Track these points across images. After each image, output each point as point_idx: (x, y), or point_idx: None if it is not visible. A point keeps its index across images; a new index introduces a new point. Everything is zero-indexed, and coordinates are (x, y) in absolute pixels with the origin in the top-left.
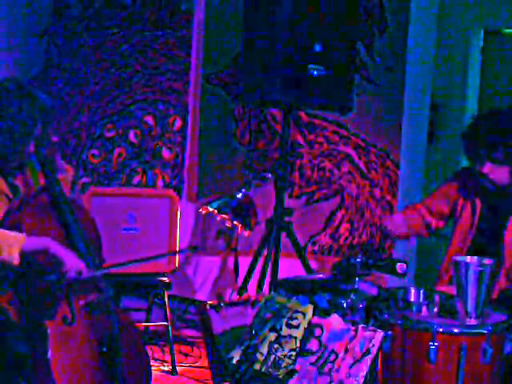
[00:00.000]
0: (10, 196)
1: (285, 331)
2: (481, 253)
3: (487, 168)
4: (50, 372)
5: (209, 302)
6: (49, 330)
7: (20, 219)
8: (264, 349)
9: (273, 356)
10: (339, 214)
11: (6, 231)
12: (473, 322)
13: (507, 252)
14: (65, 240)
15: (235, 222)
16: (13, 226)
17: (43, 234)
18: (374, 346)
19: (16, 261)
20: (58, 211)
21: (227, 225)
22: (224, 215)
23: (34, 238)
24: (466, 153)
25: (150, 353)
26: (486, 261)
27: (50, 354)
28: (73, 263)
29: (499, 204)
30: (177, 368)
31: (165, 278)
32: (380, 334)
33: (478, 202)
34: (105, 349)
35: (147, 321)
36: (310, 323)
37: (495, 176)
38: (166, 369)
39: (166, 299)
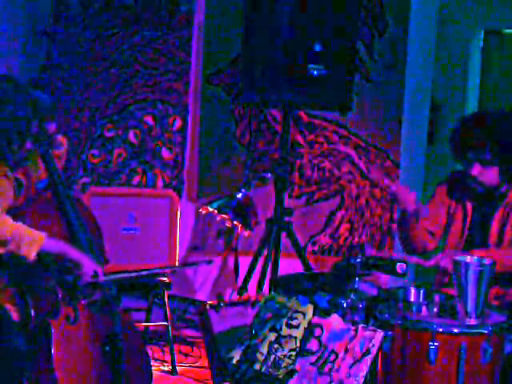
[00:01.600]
0: (15, 188)
1: (285, 331)
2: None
3: (476, 170)
4: (53, 371)
5: (209, 302)
6: (52, 329)
7: (24, 216)
8: (264, 349)
9: (273, 356)
10: (339, 214)
11: (29, 228)
12: (473, 322)
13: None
14: (68, 238)
15: (235, 222)
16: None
17: (46, 231)
18: (373, 345)
19: (32, 258)
20: (61, 209)
21: (227, 225)
22: (224, 215)
23: (53, 240)
24: (455, 155)
25: (150, 353)
26: (486, 261)
27: (53, 352)
28: (89, 267)
29: (488, 204)
30: (177, 368)
31: (165, 278)
32: (380, 334)
33: (469, 205)
34: (107, 348)
35: (147, 321)
36: (310, 323)
37: (485, 177)
38: (166, 369)
39: (166, 299)
